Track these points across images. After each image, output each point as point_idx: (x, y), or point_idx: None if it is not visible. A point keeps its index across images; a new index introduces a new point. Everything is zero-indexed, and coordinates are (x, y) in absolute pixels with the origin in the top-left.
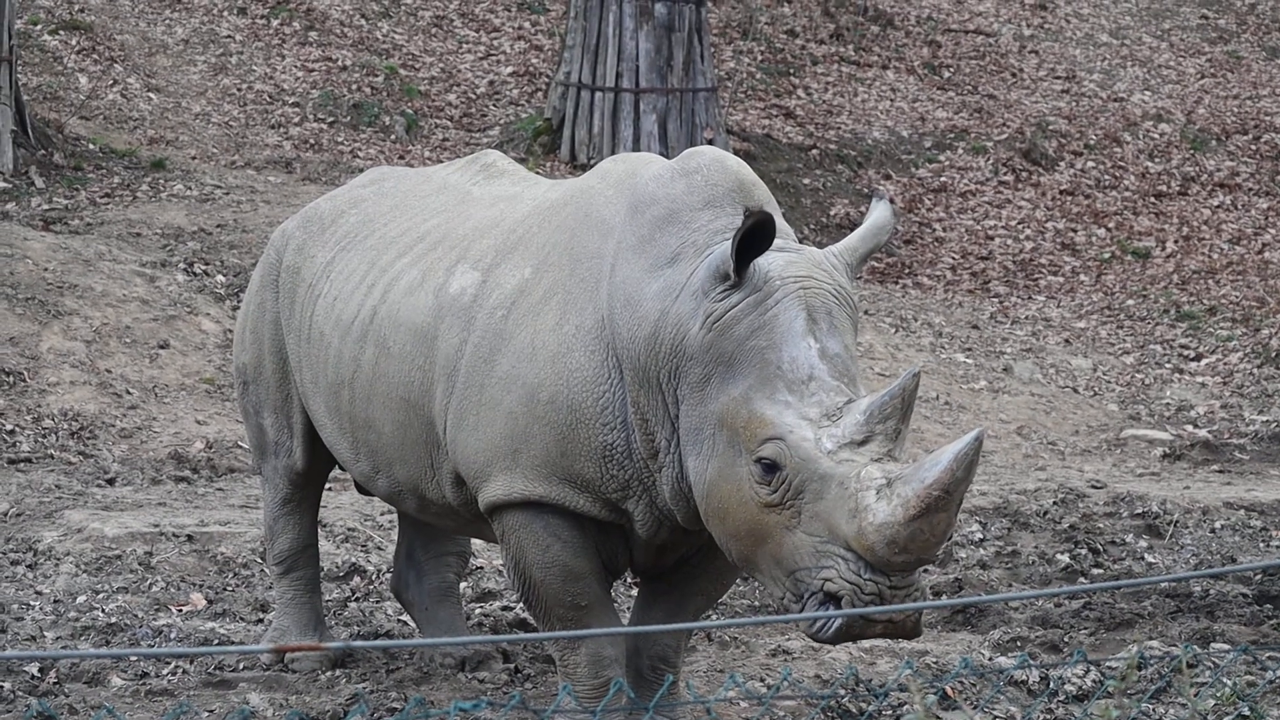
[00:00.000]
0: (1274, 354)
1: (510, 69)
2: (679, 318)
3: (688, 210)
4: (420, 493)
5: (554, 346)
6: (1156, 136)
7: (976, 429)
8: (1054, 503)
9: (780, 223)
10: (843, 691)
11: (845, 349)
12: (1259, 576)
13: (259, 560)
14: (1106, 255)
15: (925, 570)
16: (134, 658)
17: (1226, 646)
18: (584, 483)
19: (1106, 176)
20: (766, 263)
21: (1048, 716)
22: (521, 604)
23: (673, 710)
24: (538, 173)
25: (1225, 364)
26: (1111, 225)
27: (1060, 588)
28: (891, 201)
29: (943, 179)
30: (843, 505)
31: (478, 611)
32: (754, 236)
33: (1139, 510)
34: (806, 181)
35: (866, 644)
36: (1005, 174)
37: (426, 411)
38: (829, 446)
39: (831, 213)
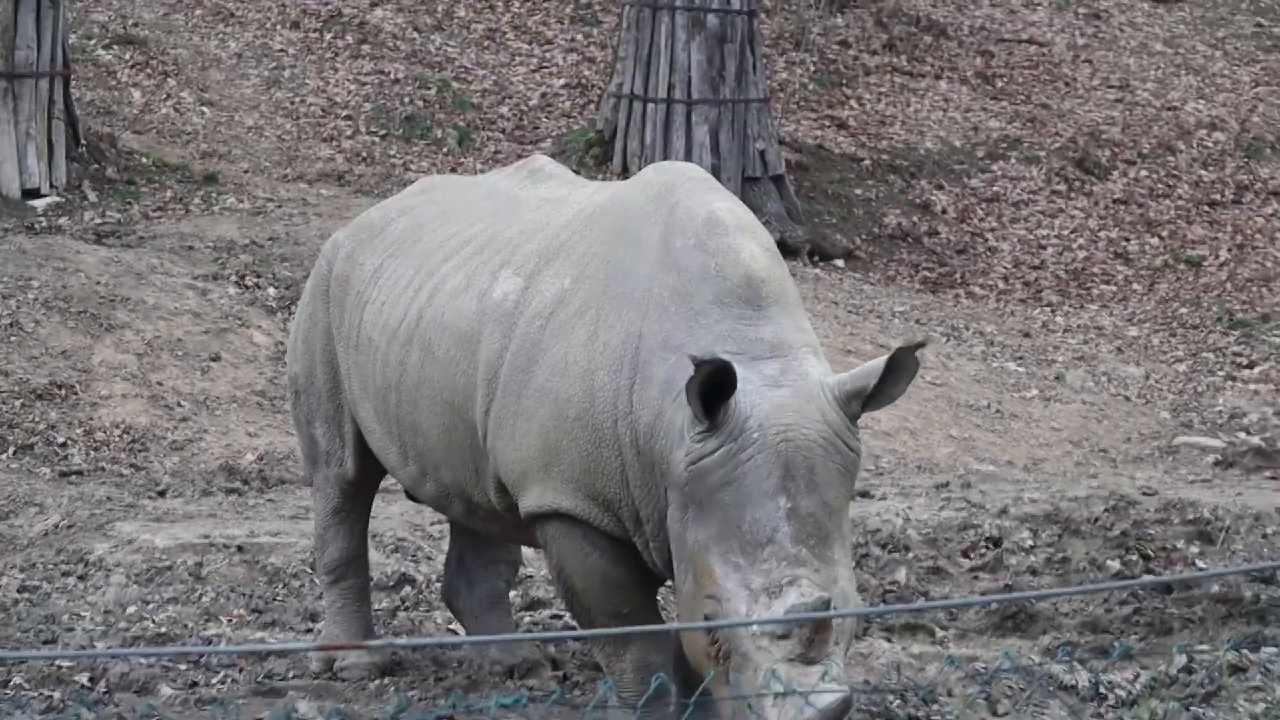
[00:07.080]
0: None
1: (563, 81)
2: (670, 428)
3: (699, 298)
4: (466, 496)
5: (584, 363)
6: (1210, 145)
7: (845, 689)
8: (1105, 510)
9: (798, 325)
10: (891, 696)
11: (824, 505)
12: None
13: (308, 571)
14: (1159, 264)
15: (975, 577)
16: (184, 666)
17: (1277, 650)
18: (607, 502)
19: (1160, 185)
20: (750, 405)
21: None
22: (568, 612)
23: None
24: None
25: (1278, 371)
26: (1164, 234)
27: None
28: (920, 347)
29: (995, 189)
30: (749, 691)
31: (527, 619)
32: (711, 383)
33: (1190, 517)
34: (859, 192)
35: (916, 649)
36: (1058, 183)
37: (469, 416)
38: (754, 628)
39: (884, 223)
